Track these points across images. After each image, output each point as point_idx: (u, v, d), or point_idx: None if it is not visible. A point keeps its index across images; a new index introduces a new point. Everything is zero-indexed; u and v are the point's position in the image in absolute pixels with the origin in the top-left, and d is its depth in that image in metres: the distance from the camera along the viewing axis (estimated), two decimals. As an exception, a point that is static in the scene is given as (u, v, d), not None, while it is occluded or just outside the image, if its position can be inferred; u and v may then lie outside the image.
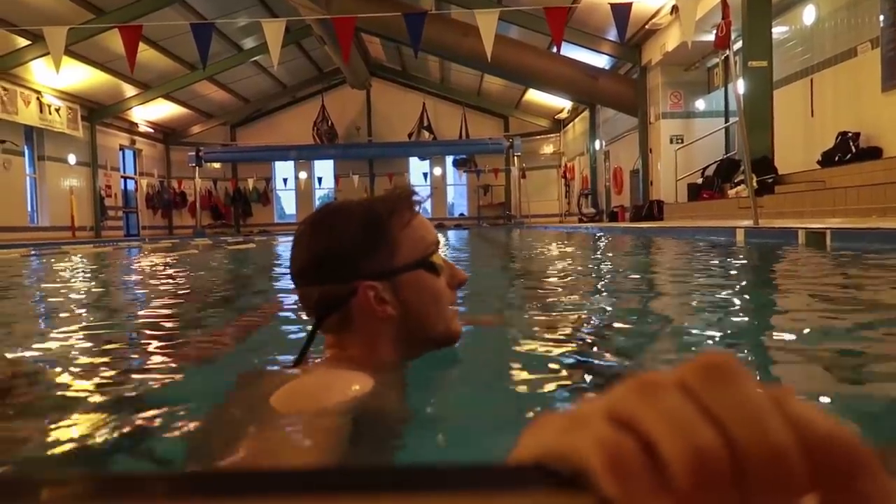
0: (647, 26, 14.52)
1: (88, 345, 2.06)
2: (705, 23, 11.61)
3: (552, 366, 1.44)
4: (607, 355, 1.58)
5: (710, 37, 9.49)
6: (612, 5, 9.61)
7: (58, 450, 1.02)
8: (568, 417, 0.26)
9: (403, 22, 9.89)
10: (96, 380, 1.50)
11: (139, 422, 1.13)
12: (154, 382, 1.43)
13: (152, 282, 4.75)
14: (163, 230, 24.99)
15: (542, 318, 2.24)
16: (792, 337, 1.80)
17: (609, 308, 2.46)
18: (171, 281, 4.72)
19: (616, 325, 2.05)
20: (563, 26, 9.84)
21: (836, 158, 9.55)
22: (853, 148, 9.39)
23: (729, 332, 1.90)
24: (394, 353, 1.15)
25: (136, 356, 1.86)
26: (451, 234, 16.23)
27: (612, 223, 16.64)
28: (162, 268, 6.22)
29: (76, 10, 14.61)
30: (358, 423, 0.88)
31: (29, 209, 17.98)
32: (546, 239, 10.53)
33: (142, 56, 17.52)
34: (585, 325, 2.05)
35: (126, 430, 1.09)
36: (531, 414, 1.11)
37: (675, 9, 12.16)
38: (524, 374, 1.37)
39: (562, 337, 1.81)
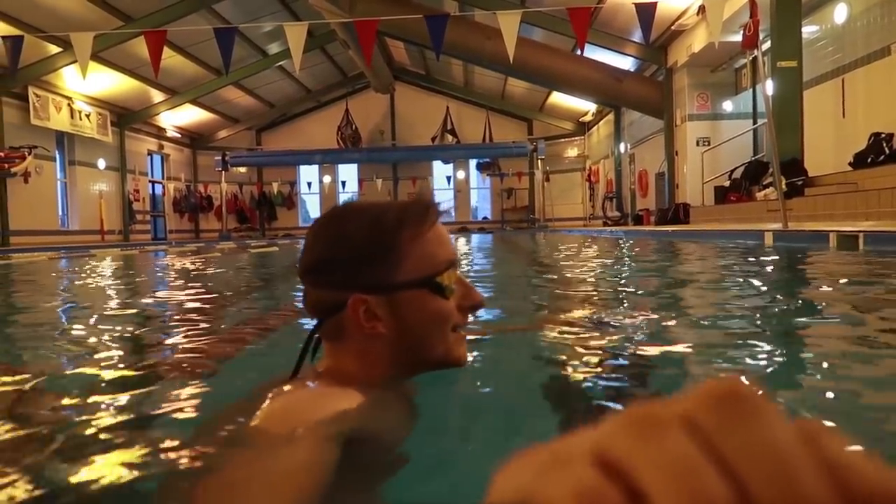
0: (672, 27, 14.35)
1: (108, 344, 2.05)
2: (733, 23, 11.42)
3: (566, 382, 1.38)
4: (627, 368, 1.52)
5: (738, 37, 9.33)
6: (637, 5, 9.49)
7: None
8: (549, 454, 0.21)
9: (425, 25, 9.86)
10: (111, 383, 1.48)
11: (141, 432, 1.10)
12: (167, 390, 1.40)
13: (172, 284, 4.77)
14: (189, 234, 25.30)
15: (558, 326, 2.18)
16: (826, 350, 1.72)
17: (626, 317, 2.38)
18: (190, 283, 4.73)
19: (636, 335, 1.99)
20: (587, 27, 9.73)
21: (869, 160, 9.31)
22: (886, 149, 9.14)
23: (755, 343, 1.82)
24: (388, 371, 1.08)
25: (149, 356, 1.84)
26: (474, 237, 16.17)
27: (637, 227, 16.45)
28: (183, 271, 6.26)
29: (106, 17, 14.87)
30: (340, 448, 0.81)
31: (60, 213, 18.32)
32: (566, 243, 10.43)
33: (169, 62, 17.83)
34: (602, 333, 1.99)
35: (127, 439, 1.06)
36: (533, 440, 1.06)
37: (701, 9, 11.99)
38: (533, 395, 1.31)
39: (579, 349, 1.75)
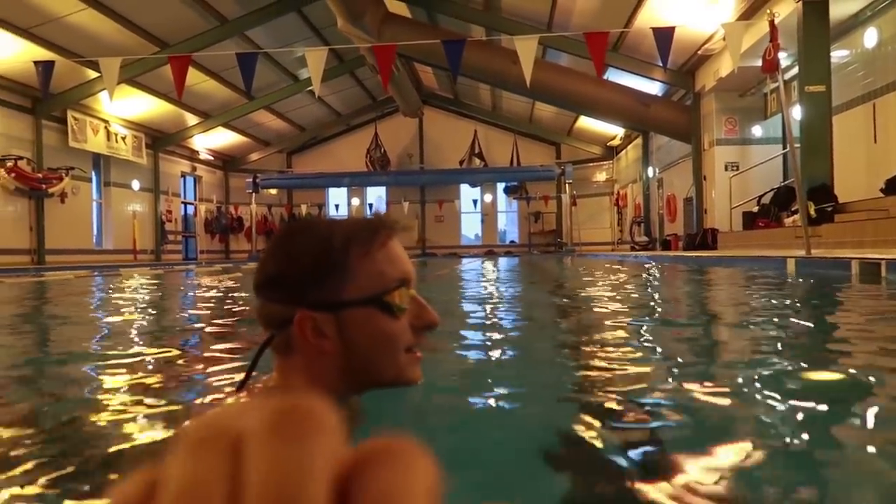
0: (699, 52, 14.28)
1: (122, 356, 2.08)
2: (759, 48, 11.30)
3: (535, 401, 1.36)
4: (612, 394, 1.49)
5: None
6: (655, 30, 9.47)
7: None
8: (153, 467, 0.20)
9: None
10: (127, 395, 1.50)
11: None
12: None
13: (193, 302, 4.83)
14: (219, 254, 25.71)
15: (547, 344, 2.15)
16: (818, 381, 1.67)
17: (616, 340, 2.34)
18: (204, 301, 4.80)
19: (618, 355, 1.95)
20: (604, 52, 9.73)
21: (901, 186, 9.08)
22: (919, 175, 8.92)
23: (737, 371, 1.77)
24: (334, 388, 1.06)
25: (161, 368, 1.86)
26: (501, 261, 16.12)
27: (665, 252, 16.24)
28: (203, 289, 6.35)
29: (142, 43, 15.36)
30: None
31: (94, 232, 18.79)
32: (586, 267, 10.33)
33: (202, 86, 18.33)
34: (593, 355, 1.96)
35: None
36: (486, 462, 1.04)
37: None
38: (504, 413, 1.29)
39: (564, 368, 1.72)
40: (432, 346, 2.10)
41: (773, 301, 3.67)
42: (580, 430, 1.19)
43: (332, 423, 0.21)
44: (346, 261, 1.05)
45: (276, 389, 1.06)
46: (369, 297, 1.05)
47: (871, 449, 1.08)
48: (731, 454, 1.01)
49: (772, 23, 6.57)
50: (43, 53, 13.60)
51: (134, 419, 1.31)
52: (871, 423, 1.25)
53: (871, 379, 1.59)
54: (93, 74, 15.72)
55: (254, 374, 1.12)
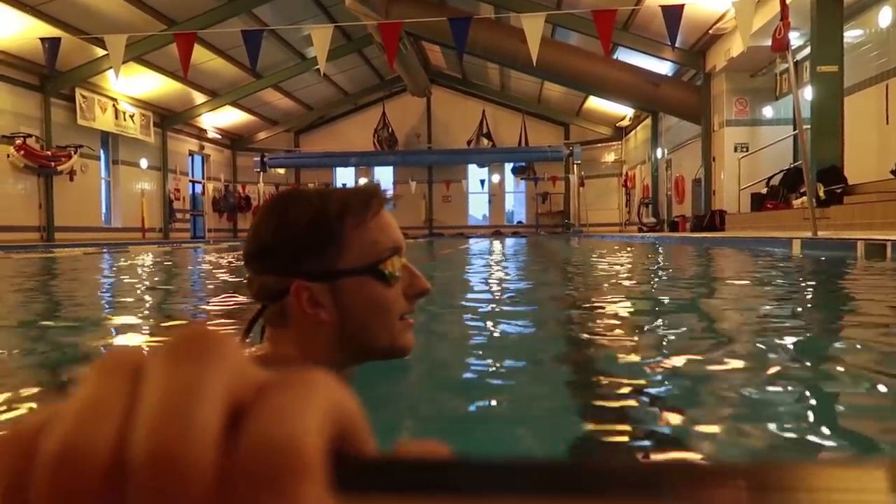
0: (710, 31, 14.11)
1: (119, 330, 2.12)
2: (771, 27, 11.14)
3: (522, 370, 1.38)
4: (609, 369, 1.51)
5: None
6: (664, 8, 9.35)
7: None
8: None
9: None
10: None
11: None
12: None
13: (194, 279, 4.87)
14: (227, 233, 25.81)
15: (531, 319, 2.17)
16: (813, 357, 1.68)
17: (617, 317, 2.36)
18: (211, 278, 4.84)
19: (620, 334, 1.96)
20: (611, 30, 9.62)
21: (912, 168, 8.99)
22: (931, 157, 8.83)
23: (738, 346, 1.78)
24: (329, 358, 1.08)
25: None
26: (508, 241, 16.12)
27: (672, 233, 16.19)
28: (211, 267, 6.39)
29: (150, 20, 15.31)
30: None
31: (103, 210, 18.89)
32: (596, 248, 10.32)
33: (210, 65, 18.28)
34: (580, 329, 1.97)
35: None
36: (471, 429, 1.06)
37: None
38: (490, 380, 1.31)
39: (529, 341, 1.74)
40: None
41: (775, 280, 3.67)
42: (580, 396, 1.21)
43: (232, 347, 0.21)
44: (342, 230, 1.06)
45: (267, 358, 1.07)
46: (365, 266, 1.07)
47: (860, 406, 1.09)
48: (721, 420, 1.03)
49: (783, 1, 6.48)
50: (50, 31, 13.58)
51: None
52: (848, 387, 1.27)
53: (857, 351, 1.60)
54: (100, 52, 15.69)
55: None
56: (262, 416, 0.19)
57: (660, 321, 2.27)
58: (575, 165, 23.48)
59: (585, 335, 1.94)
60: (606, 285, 3.76)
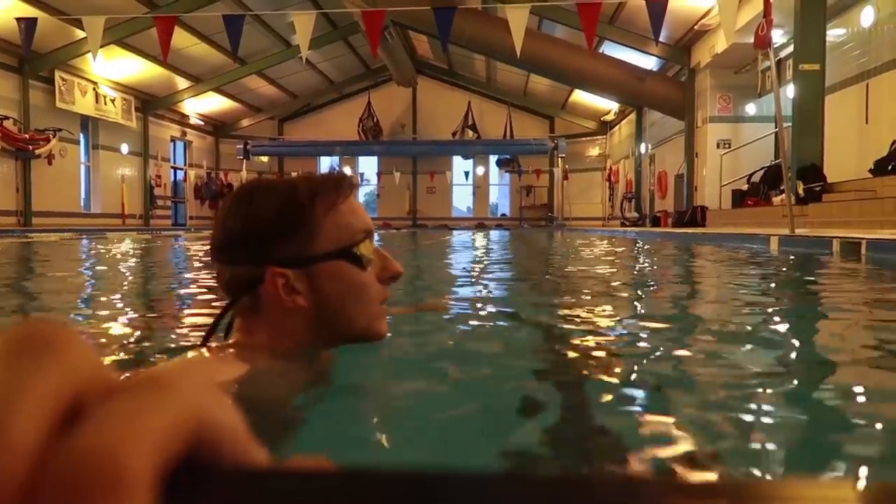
0: (695, 27, 14.16)
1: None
2: (755, 24, 11.21)
3: (499, 366, 1.37)
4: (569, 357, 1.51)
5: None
6: (648, 2, 9.37)
7: None
8: None
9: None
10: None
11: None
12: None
13: (171, 267, 4.82)
14: (209, 220, 25.49)
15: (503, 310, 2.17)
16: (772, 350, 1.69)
17: (592, 311, 2.36)
18: (186, 267, 4.79)
19: (593, 330, 1.97)
20: (596, 23, 9.63)
21: (890, 167, 9.11)
22: (908, 157, 8.95)
23: (703, 339, 1.79)
24: (304, 345, 1.07)
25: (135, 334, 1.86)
26: (492, 233, 16.14)
27: (654, 228, 16.29)
28: (192, 256, 6.33)
29: (132, 3, 15.06)
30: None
31: (82, 196, 18.63)
32: (574, 240, 10.37)
33: (193, 49, 18.04)
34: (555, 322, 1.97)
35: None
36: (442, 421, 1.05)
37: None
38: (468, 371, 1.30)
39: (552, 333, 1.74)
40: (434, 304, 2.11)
41: (747, 275, 3.70)
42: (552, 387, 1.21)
43: (76, 346, 0.20)
44: (313, 214, 1.05)
45: (239, 348, 1.05)
46: (339, 250, 1.06)
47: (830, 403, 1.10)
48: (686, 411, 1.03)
49: (766, -2, 6.51)
50: (30, 11, 13.31)
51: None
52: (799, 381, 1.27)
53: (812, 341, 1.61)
54: (80, 34, 15.39)
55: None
56: (89, 425, 0.18)
57: (628, 316, 2.28)
58: (559, 159, 23.54)
59: (557, 331, 1.94)
60: (584, 278, 3.77)
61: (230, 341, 1.10)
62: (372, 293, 1.10)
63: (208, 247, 1.12)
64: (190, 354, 1.04)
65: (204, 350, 1.05)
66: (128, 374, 0.17)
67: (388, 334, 1.17)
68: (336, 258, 1.06)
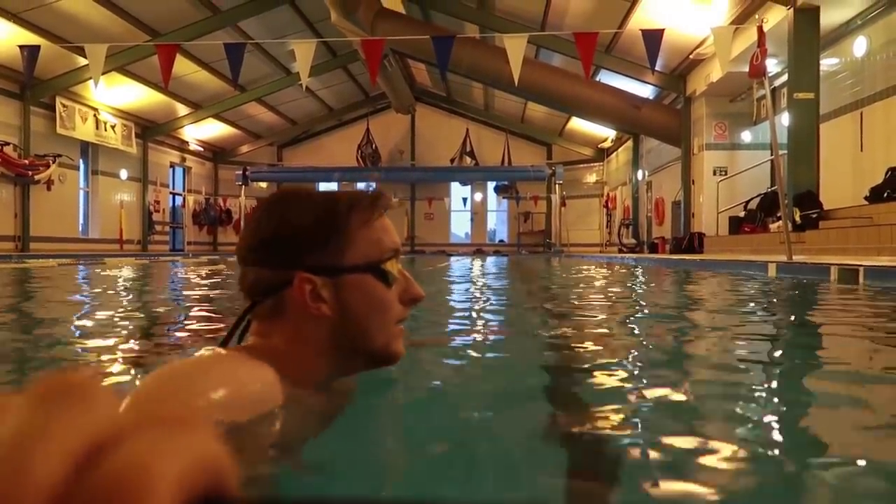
0: (691, 56, 14.34)
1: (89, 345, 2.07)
2: (750, 53, 11.37)
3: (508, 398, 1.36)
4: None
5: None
6: (644, 32, 9.51)
7: None
8: None
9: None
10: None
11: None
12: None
13: (165, 293, 4.80)
14: (207, 246, 25.59)
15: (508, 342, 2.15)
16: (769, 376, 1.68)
17: (586, 333, 2.35)
18: (185, 293, 4.77)
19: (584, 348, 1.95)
20: (593, 53, 9.76)
21: (885, 195, 9.17)
22: (903, 184, 9.01)
23: (701, 365, 1.78)
24: (322, 358, 1.06)
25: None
26: (489, 259, 16.14)
27: (652, 254, 16.31)
28: (186, 281, 6.31)
29: (134, 31, 15.25)
30: (229, 421, 0.81)
31: (80, 221, 18.64)
32: (575, 266, 10.37)
33: (194, 77, 18.22)
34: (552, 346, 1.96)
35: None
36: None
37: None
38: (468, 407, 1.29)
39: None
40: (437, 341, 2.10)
41: (749, 303, 3.70)
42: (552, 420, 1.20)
43: (95, 393, 0.21)
44: (348, 226, 1.06)
45: (256, 350, 1.04)
46: (368, 264, 1.07)
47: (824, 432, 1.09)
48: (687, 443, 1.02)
49: (760, 28, 6.62)
50: (32, 38, 13.46)
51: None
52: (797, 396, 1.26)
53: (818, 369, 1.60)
54: (82, 61, 15.57)
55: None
56: (117, 457, 0.19)
57: (629, 342, 2.27)
58: (557, 185, 23.64)
59: (558, 357, 1.93)
60: (582, 304, 3.76)
61: (246, 343, 1.09)
62: (393, 311, 1.10)
63: (236, 250, 1.12)
64: (207, 353, 1.02)
65: (221, 350, 1.04)
66: (150, 373, 0.19)
67: (403, 356, 1.16)
68: (364, 272, 1.07)
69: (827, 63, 11.09)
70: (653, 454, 0.97)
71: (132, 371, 1.65)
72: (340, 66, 21.28)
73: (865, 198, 9.57)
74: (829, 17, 10.47)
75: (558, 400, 1.36)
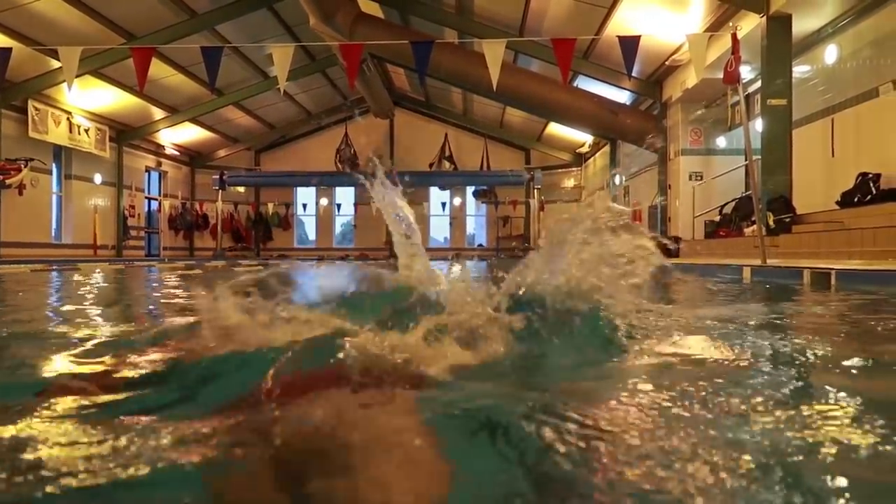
0: (667, 63, 14.52)
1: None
2: (724, 60, 11.53)
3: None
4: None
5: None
6: (621, 38, 9.62)
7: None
8: None
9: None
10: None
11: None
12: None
13: (134, 300, 4.74)
14: (184, 251, 25.28)
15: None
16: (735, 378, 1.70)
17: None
18: (145, 300, 4.71)
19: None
20: (570, 58, 9.86)
21: (856, 199, 9.36)
22: (873, 189, 9.20)
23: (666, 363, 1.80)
24: None
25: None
26: (468, 263, 16.12)
27: (629, 258, 16.43)
28: (160, 287, 6.24)
29: (109, 34, 15.04)
30: None
31: (53, 226, 18.33)
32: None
33: (170, 80, 18.02)
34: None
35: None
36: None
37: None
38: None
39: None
40: None
41: (722, 305, 3.75)
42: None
43: None
44: None
45: None
46: None
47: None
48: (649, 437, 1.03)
49: (734, 36, 6.73)
50: (4, 41, 13.24)
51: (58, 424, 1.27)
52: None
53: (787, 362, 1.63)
54: (55, 64, 15.31)
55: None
56: None
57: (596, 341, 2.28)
58: (535, 190, 23.78)
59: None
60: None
61: None
62: None
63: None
64: None
65: None
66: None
67: None
68: None
69: (799, 70, 11.30)
70: (621, 454, 0.98)
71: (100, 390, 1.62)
72: (319, 70, 21.20)
73: (837, 202, 9.76)
74: (802, 25, 10.67)
75: (526, 398, 1.36)
